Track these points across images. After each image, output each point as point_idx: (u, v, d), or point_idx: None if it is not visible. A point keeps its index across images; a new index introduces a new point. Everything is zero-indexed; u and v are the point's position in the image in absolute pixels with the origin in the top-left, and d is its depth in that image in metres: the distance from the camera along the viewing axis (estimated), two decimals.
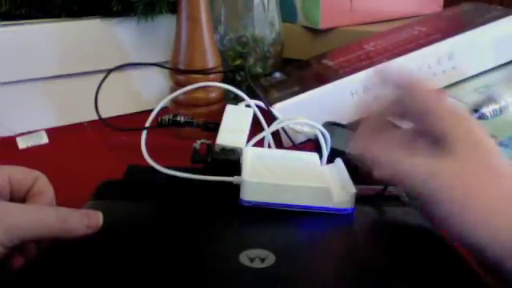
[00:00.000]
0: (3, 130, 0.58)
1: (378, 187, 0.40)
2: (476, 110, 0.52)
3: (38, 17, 0.60)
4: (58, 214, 0.30)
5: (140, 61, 0.62)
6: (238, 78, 0.66)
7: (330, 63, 0.62)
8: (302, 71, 0.65)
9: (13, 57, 0.57)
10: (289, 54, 0.73)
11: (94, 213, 0.31)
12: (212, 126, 0.51)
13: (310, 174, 0.39)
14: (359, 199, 0.36)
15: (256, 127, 0.48)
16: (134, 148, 0.46)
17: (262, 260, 0.30)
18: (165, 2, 0.60)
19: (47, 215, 0.30)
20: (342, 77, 0.56)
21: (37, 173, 0.35)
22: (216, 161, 0.43)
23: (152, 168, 0.43)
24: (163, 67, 0.61)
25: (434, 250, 0.33)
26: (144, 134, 0.48)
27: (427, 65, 0.57)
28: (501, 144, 0.47)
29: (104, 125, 0.56)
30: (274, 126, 0.47)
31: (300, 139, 0.54)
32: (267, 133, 0.46)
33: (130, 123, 0.55)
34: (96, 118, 0.56)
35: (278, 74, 0.66)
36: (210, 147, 0.45)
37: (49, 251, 0.31)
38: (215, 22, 0.63)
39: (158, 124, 0.52)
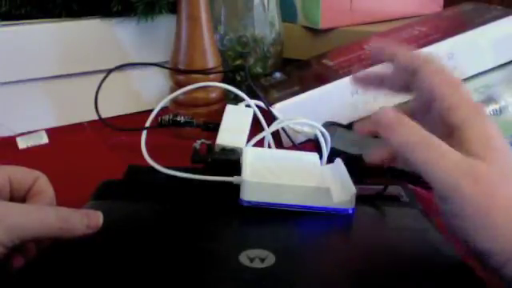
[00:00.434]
0: (3, 130, 0.58)
1: (378, 187, 0.40)
2: None
3: (38, 17, 0.60)
4: (58, 213, 0.30)
5: (140, 61, 0.62)
6: (238, 78, 0.66)
7: (330, 63, 0.62)
8: (302, 71, 0.65)
9: (13, 57, 0.57)
10: (289, 54, 0.73)
11: (94, 213, 0.31)
12: (212, 126, 0.51)
13: (310, 174, 0.39)
14: (359, 199, 0.36)
15: (256, 127, 0.48)
16: (134, 148, 0.46)
17: (262, 260, 0.30)
18: (165, 2, 0.60)
19: (47, 215, 0.30)
20: (341, 77, 0.56)
21: (37, 173, 0.35)
22: (216, 161, 0.43)
23: (152, 168, 0.43)
24: (163, 67, 0.61)
25: (434, 250, 0.33)
26: (144, 134, 0.48)
27: None
28: None
29: (104, 125, 0.56)
30: (274, 126, 0.47)
31: (300, 139, 0.54)
32: (267, 133, 0.46)
33: (130, 123, 0.55)
34: (96, 118, 0.56)
35: (278, 74, 0.66)
36: (210, 147, 0.45)
37: (49, 251, 0.31)
38: (215, 22, 0.63)
39: (158, 124, 0.52)
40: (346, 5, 0.74)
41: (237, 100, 0.52)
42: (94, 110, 0.56)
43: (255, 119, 0.49)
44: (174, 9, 0.59)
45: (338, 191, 0.36)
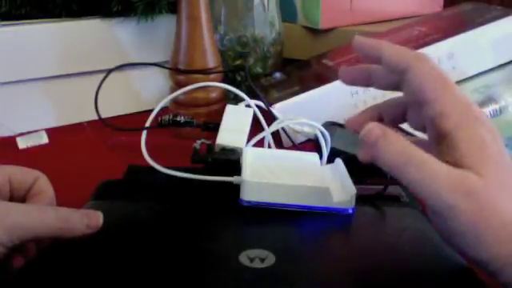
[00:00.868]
0: (3, 130, 0.58)
1: (378, 187, 0.40)
2: None
3: (38, 17, 0.60)
4: (58, 213, 0.30)
5: (140, 61, 0.62)
6: (238, 78, 0.66)
7: (330, 63, 0.62)
8: (302, 71, 0.65)
9: (13, 57, 0.57)
10: (289, 54, 0.73)
11: (94, 213, 0.31)
12: (212, 126, 0.51)
13: (310, 174, 0.39)
14: (359, 199, 0.36)
15: (256, 127, 0.48)
16: (134, 148, 0.46)
17: (262, 260, 0.30)
18: (165, 2, 0.60)
19: (47, 215, 0.30)
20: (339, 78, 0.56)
21: (37, 173, 0.35)
22: (216, 161, 0.43)
23: (152, 168, 0.43)
24: (163, 67, 0.61)
25: (434, 251, 0.33)
26: (144, 134, 0.48)
27: None
28: None
29: (104, 125, 0.56)
30: (274, 126, 0.47)
31: (300, 139, 0.54)
32: (267, 133, 0.46)
33: (130, 123, 0.55)
34: (96, 118, 0.56)
35: (278, 74, 0.66)
36: (210, 147, 0.45)
37: (49, 251, 0.31)
38: (215, 22, 0.63)
39: (158, 124, 0.52)
40: (346, 5, 0.74)
41: (237, 100, 0.52)
42: (94, 109, 0.56)
43: (255, 119, 0.49)
44: (174, 9, 0.59)
45: (338, 191, 0.36)
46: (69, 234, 0.30)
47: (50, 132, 0.60)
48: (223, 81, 0.60)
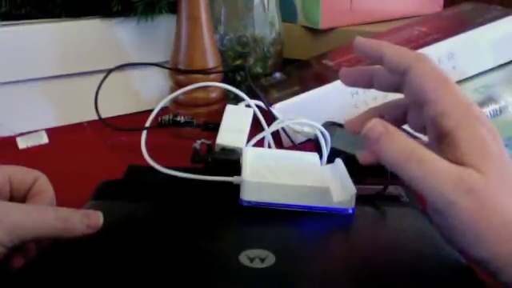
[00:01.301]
0: (3, 130, 0.58)
1: (378, 187, 0.40)
2: None
3: (38, 17, 0.60)
4: (58, 214, 0.30)
5: (140, 61, 0.62)
6: (238, 78, 0.66)
7: (330, 63, 0.62)
8: (302, 71, 0.65)
9: (13, 57, 0.57)
10: (289, 54, 0.73)
11: (94, 213, 0.31)
12: (212, 126, 0.51)
13: (310, 174, 0.39)
14: (359, 199, 0.36)
15: (256, 127, 0.48)
16: (134, 148, 0.46)
17: (262, 260, 0.30)
18: (165, 2, 0.60)
19: (47, 215, 0.30)
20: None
21: (37, 173, 0.35)
22: (216, 161, 0.43)
23: (152, 168, 0.43)
24: (163, 67, 0.61)
25: (434, 251, 0.33)
26: (144, 134, 0.48)
27: None
28: None
29: (104, 125, 0.56)
30: (274, 126, 0.47)
31: (300, 139, 0.54)
32: (267, 133, 0.46)
33: (130, 123, 0.55)
34: (96, 118, 0.56)
35: (278, 74, 0.66)
36: (210, 147, 0.45)
37: (49, 251, 0.31)
38: (215, 22, 0.63)
39: (158, 124, 0.52)
40: (346, 5, 0.74)
41: (237, 100, 0.52)
42: (94, 109, 0.56)
43: (255, 119, 0.49)
44: (174, 9, 0.59)
45: (338, 191, 0.36)
46: (69, 234, 0.30)
47: (50, 132, 0.60)
48: (223, 81, 0.60)
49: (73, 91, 0.62)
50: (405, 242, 0.34)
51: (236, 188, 0.37)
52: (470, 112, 0.29)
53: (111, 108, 0.63)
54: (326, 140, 0.45)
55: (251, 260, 0.30)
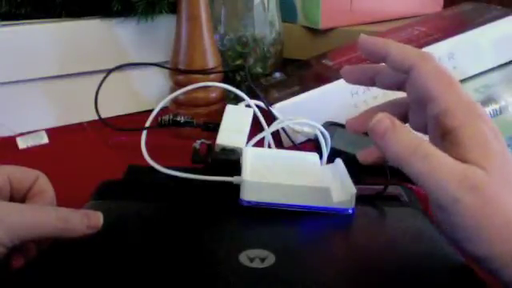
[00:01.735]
0: (3, 130, 0.58)
1: (378, 187, 0.40)
2: None
3: (38, 17, 0.60)
4: (58, 214, 0.30)
5: (140, 61, 0.62)
6: (238, 78, 0.66)
7: (330, 63, 0.62)
8: (302, 71, 0.65)
9: (13, 57, 0.57)
10: (289, 54, 0.73)
11: (94, 213, 0.31)
12: (212, 126, 0.51)
13: (309, 174, 0.39)
14: (359, 199, 0.36)
15: (256, 127, 0.48)
16: (134, 148, 0.46)
17: (262, 260, 0.30)
18: (165, 2, 0.60)
19: (48, 215, 0.30)
20: (342, 77, 0.56)
21: (37, 172, 0.35)
22: (216, 161, 0.43)
23: (152, 168, 0.43)
24: (163, 67, 0.61)
25: (434, 251, 0.33)
26: (144, 134, 0.48)
27: None
28: None
29: (104, 125, 0.56)
30: (274, 126, 0.47)
31: (300, 139, 0.54)
32: (267, 133, 0.46)
33: (130, 123, 0.55)
34: (96, 118, 0.56)
35: (277, 74, 0.66)
36: (210, 147, 0.45)
37: (49, 251, 0.31)
38: (215, 22, 0.63)
39: (158, 124, 0.52)
40: (346, 5, 0.74)
41: (237, 100, 0.52)
42: (94, 109, 0.56)
43: (255, 119, 0.49)
44: (174, 9, 0.59)
45: (338, 191, 0.36)
46: (69, 234, 0.30)
47: (50, 132, 0.60)
48: (223, 81, 0.60)
49: (73, 91, 0.62)
50: (405, 242, 0.34)
51: (236, 188, 0.37)
52: (472, 110, 0.29)
53: (111, 108, 0.63)
54: (326, 140, 0.45)
55: (251, 260, 0.30)
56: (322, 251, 0.33)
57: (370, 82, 0.35)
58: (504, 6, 0.63)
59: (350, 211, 0.36)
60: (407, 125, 0.35)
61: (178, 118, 0.52)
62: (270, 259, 0.30)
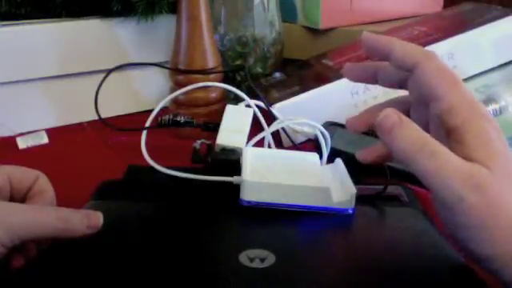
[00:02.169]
0: (3, 130, 0.58)
1: (378, 187, 0.40)
2: None
3: (38, 17, 0.60)
4: (58, 214, 0.30)
5: (140, 61, 0.62)
6: (238, 78, 0.66)
7: (330, 63, 0.62)
8: (302, 71, 0.65)
9: (13, 57, 0.57)
10: (289, 54, 0.73)
11: (94, 213, 0.31)
12: (212, 126, 0.51)
13: (309, 174, 0.39)
14: (359, 199, 0.36)
15: (256, 127, 0.48)
16: (134, 148, 0.46)
17: (262, 260, 0.30)
18: (165, 2, 0.60)
19: (48, 215, 0.30)
20: (341, 77, 0.56)
21: (37, 172, 0.35)
22: (216, 161, 0.43)
23: (152, 168, 0.43)
24: (163, 67, 0.61)
25: (434, 251, 0.33)
26: (144, 134, 0.48)
27: None
28: None
29: (104, 125, 0.56)
30: (274, 126, 0.47)
31: (300, 139, 0.54)
32: (267, 133, 0.46)
33: (130, 123, 0.55)
34: (96, 118, 0.56)
35: (277, 74, 0.66)
36: (210, 147, 0.45)
37: (49, 251, 0.31)
38: (215, 22, 0.63)
39: (157, 124, 0.52)
40: (346, 5, 0.74)
41: (237, 100, 0.52)
42: (94, 109, 0.56)
43: (255, 119, 0.49)
44: (174, 9, 0.59)
45: (338, 191, 0.36)
46: (69, 234, 0.30)
47: (50, 132, 0.60)
48: (223, 81, 0.60)
49: (73, 91, 0.62)
50: (404, 242, 0.34)
51: (236, 188, 0.37)
52: (476, 109, 0.29)
53: (111, 108, 0.62)
54: (326, 140, 0.45)
55: (251, 260, 0.30)
56: (322, 251, 0.33)
57: (372, 79, 0.35)
58: (504, 5, 0.63)
59: (350, 211, 0.36)
60: None
61: (178, 118, 0.52)
62: (270, 259, 0.30)
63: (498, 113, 0.54)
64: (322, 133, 0.45)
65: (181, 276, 0.29)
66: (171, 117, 0.52)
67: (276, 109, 0.53)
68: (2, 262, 0.29)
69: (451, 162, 0.27)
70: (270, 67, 0.67)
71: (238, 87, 0.52)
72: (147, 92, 0.67)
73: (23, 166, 0.36)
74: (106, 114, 0.57)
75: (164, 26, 0.63)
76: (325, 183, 0.37)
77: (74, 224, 0.30)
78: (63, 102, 0.62)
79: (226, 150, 0.45)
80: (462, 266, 0.31)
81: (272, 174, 0.39)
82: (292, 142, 0.52)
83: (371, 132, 0.33)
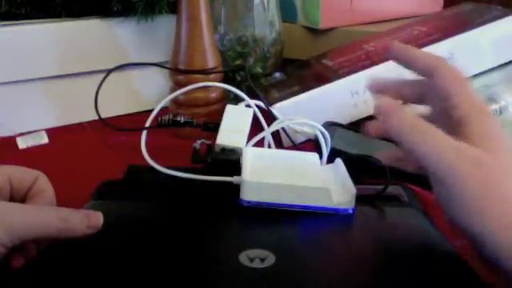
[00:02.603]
0: (3, 130, 0.58)
1: (378, 187, 0.40)
2: None
3: (38, 17, 0.60)
4: (58, 214, 0.30)
5: (140, 61, 0.62)
6: (238, 78, 0.66)
7: (330, 63, 0.62)
8: (302, 71, 0.65)
9: (13, 57, 0.57)
10: (289, 54, 0.73)
11: (94, 213, 0.31)
12: (212, 126, 0.51)
13: (309, 174, 0.39)
14: (359, 199, 0.36)
15: (256, 127, 0.48)
16: (134, 148, 0.46)
17: (262, 260, 0.30)
18: (165, 2, 0.60)
19: (48, 215, 0.30)
20: (342, 77, 0.56)
21: (37, 172, 0.35)
22: (216, 161, 0.43)
23: (152, 168, 0.43)
24: (163, 67, 0.61)
25: (434, 250, 0.33)
26: (144, 134, 0.48)
27: None
28: None
29: (104, 125, 0.56)
30: (274, 126, 0.47)
31: (300, 139, 0.54)
32: (267, 133, 0.46)
33: (130, 123, 0.55)
34: (96, 118, 0.56)
35: (277, 74, 0.66)
36: (210, 147, 0.45)
37: (49, 251, 0.31)
38: (215, 22, 0.63)
39: (157, 124, 0.52)
40: (346, 5, 0.74)
41: (237, 100, 0.52)
42: (94, 109, 0.56)
43: (255, 119, 0.49)
44: (174, 9, 0.59)
45: (338, 191, 0.36)
46: (69, 234, 0.30)
47: (50, 132, 0.60)
48: (223, 81, 0.60)
49: (73, 91, 0.62)
50: (405, 242, 0.34)
51: (236, 188, 0.37)
52: (480, 106, 0.32)
53: (111, 108, 0.63)
54: (326, 140, 0.45)
55: (251, 260, 0.30)
56: (322, 251, 0.33)
57: (394, 94, 0.37)
58: (504, 5, 0.63)
59: (350, 211, 0.36)
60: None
61: (178, 118, 0.52)
62: (270, 259, 0.30)
63: (498, 113, 0.54)
64: (322, 133, 0.45)
65: (181, 276, 0.29)
66: (171, 117, 0.52)
67: (276, 109, 0.53)
68: (2, 262, 0.29)
69: (443, 138, 0.29)
70: (270, 67, 0.67)
71: (237, 87, 0.52)
72: (147, 92, 0.67)
73: (23, 166, 0.36)
74: (105, 114, 0.57)
75: (164, 25, 0.63)
76: (325, 183, 0.37)
77: (73, 224, 0.30)
78: (63, 102, 0.62)
79: (226, 150, 0.45)
80: (462, 265, 0.31)
81: (272, 174, 0.39)
82: (292, 142, 0.52)
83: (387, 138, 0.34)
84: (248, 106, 0.50)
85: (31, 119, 0.60)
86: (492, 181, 0.28)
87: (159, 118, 0.52)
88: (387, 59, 0.37)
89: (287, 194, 0.36)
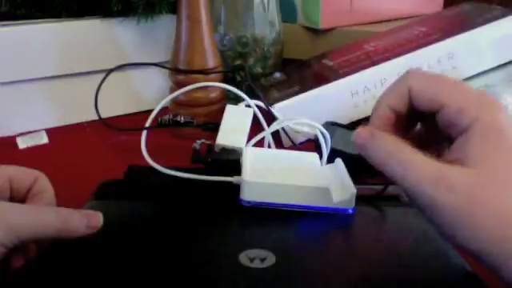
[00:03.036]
0: (3, 130, 0.58)
1: (378, 187, 0.40)
2: None
3: (38, 17, 0.60)
4: (58, 214, 0.30)
5: (140, 61, 0.62)
6: (238, 78, 0.66)
7: (330, 63, 0.62)
8: (302, 71, 0.65)
9: (13, 57, 0.57)
10: (289, 54, 0.73)
11: (94, 213, 0.31)
12: (212, 126, 0.51)
13: (309, 174, 0.39)
14: (359, 199, 0.36)
15: (256, 127, 0.48)
16: (134, 148, 0.46)
17: (262, 260, 0.30)
18: (165, 2, 0.60)
19: (47, 215, 0.30)
20: (342, 77, 0.56)
21: (37, 172, 0.35)
22: (216, 161, 0.43)
23: (152, 168, 0.43)
24: (163, 67, 0.61)
25: (434, 251, 0.33)
26: (144, 134, 0.48)
27: (427, 65, 0.57)
28: None
29: (104, 125, 0.56)
30: (274, 126, 0.47)
31: (300, 139, 0.54)
32: (267, 133, 0.46)
33: (130, 123, 0.55)
34: (96, 118, 0.56)
35: (278, 74, 0.66)
36: (210, 147, 0.45)
37: (49, 251, 0.31)
38: (215, 22, 0.63)
39: (157, 124, 0.52)
40: (345, 5, 0.74)
41: (237, 100, 0.52)
42: (94, 109, 0.56)
43: (255, 119, 0.49)
44: (174, 9, 0.59)
45: (338, 191, 0.36)
46: (69, 234, 0.30)
47: (50, 132, 0.60)
48: (223, 81, 0.60)
49: (73, 91, 0.62)
50: (405, 242, 0.34)
51: (236, 188, 0.37)
52: (484, 102, 0.29)
53: (111, 108, 0.63)
54: (326, 140, 0.45)
55: (251, 260, 0.30)
56: (322, 251, 0.33)
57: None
58: (504, 6, 0.63)
59: (350, 211, 0.36)
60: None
61: (178, 118, 0.52)
62: (270, 259, 0.30)
63: None
64: (321, 133, 0.45)
65: (181, 276, 0.29)
66: (171, 117, 0.52)
67: (276, 109, 0.53)
68: (2, 262, 0.29)
69: (420, 168, 0.28)
70: (269, 67, 0.67)
71: (237, 87, 0.52)
72: (147, 92, 0.67)
73: (23, 166, 0.36)
74: (105, 114, 0.57)
75: (164, 26, 0.64)
76: (325, 183, 0.37)
77: (73, 224, 0.30)
78: (63, 101, 0.62)
79: (226, 150, 0.45)
80: (462, 266, 0.31)
81: (272, 174, 0.38)
82: (292, 142, 0.52)
83: None
84: (248, 105, 0.50)
85: (31, 119, 0.60)
86: (473, 203, 0.27)
87: (159, 118, 0.52)
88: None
89: (287, 194, 0.36)
